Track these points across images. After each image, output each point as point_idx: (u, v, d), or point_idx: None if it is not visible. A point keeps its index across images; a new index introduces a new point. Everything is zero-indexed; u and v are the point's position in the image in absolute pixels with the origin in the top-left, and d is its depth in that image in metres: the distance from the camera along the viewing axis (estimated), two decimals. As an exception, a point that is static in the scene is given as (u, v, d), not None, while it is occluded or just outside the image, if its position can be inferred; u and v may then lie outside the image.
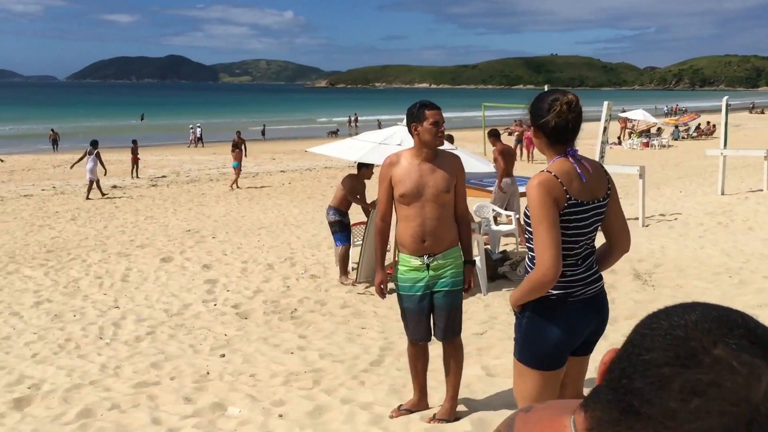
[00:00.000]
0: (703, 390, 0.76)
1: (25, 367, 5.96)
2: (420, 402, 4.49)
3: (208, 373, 5.57)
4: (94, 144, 19.68)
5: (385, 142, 7.84)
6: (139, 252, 10.99)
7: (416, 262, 4.17)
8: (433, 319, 4.31)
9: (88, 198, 18.35)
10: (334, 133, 45.27)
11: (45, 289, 8.88)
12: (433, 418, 4.28)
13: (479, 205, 10.21)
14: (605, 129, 11.83)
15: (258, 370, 5.60)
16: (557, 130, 2.84)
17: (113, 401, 5.03)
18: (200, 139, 39.79)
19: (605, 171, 3.03)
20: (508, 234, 9.76)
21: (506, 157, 10.53)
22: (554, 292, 2.86)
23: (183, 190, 20.36)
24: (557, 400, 1.04)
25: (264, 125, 50.14)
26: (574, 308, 2.89)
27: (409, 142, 7.85)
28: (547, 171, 2.83)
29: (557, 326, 2.87)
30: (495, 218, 10.25)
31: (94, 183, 18.81)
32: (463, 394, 4.55)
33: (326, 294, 8.12)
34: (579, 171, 2.84)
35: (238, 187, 20.36)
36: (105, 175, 20.32)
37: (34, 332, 7.04)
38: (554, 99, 2.86)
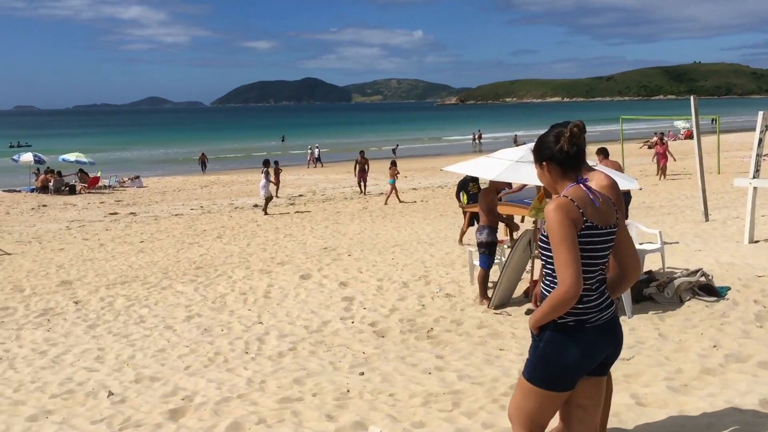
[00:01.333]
0: None
1: (179, 379, 6.31)
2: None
3: (348, 391, 5.66)
4: (266, 163, 21.03)
5: (522, 160, 7.69)
6: (280, 269, 11.40)
7: None
8: None
9: (265, 213, 19.59)
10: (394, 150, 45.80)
11: (195, 303, 9.39)
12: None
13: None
14: (761, 141, 11.05)
15: (397, 390, 5.61)
16: (570, 156, 3.01)
17: (260, 415, 5.21)
18: (318, 159, 41.06)
19: (612, 201, 3.14)
20: (653, 252, 9.28)
21: None
22: (571, 318, 2.96)
23: (319, 208, 20.99)
24: None
25: (397, 144, 50.91)
26: (591, 333, 2.98)
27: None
28: (564, 196, 2.96)
29: (575, 349, 2.96)
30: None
31: (267, 199, 20.09)
32: (612, 423, 4.34)
33: (462, 313, 8.05)
34: (592, 197, 2.98)
35: (400, 201, 21.08)
36: (277, 192, 21.55)
37: (186, 345, 7.45)
38: (559, 131, 3.03)
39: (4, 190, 29.64)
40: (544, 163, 3.09)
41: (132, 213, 21.29)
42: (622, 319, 7.27)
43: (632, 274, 3.20)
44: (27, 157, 32.18)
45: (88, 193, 28.37)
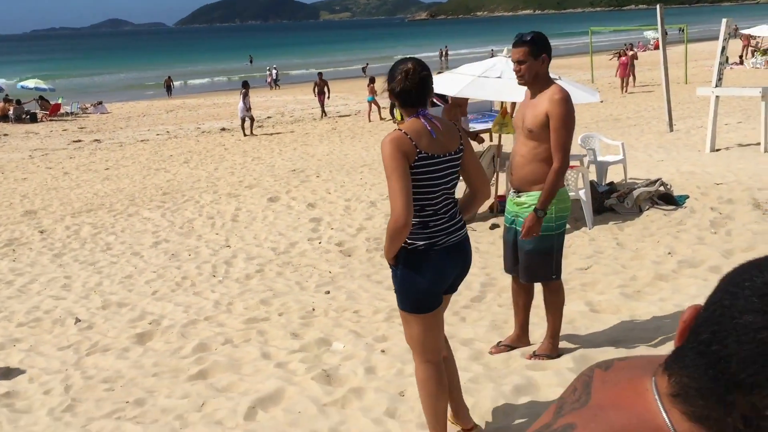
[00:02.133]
0: None
1: (146, 304, 6.36)
2: (520, 338, 4.47)
3: (313, 310, 5.76)
4: (245, 85, 20.78)
5: (485, 75, 7.63)
6: (248, 192, 11.36)
7: (510, 193, 4.24)
8: None
9: (251, 134, 19.54)
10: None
11: (162, 229, 9.37)
12: (534, 355, 4.26)
13: (585, 135, 9.83)
14: (723, 49, 11.05)
15: (361, 307, 5.72)
16: (403, 95, 3.14)
17: (226, 336, 5.30)
18: (276, 80, 40.28)
19: (457, 129, 3.28)
20: (615, 163, 9.38)
21: None
22: (420, 243, 3.13)
23: (287, 130, 20.77)
24: (638, 357, 0.97)
25: (366, 63, 50.05)
26: (440, 256, 3.15)
27: (510, 74, 7.62)
28: (399, 129, 3.13)
29: (427, 272, 3.13)
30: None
31: (246, 120, 19.87)
32: (565, 330, 4.48)
33: (428, 230, 8.14)
34: (429, 128, 3.12)
35: (381, 118, 20.99)
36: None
37: (153, 271, 7.47)
38: (402, 67, 3.15)
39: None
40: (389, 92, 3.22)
41: (96, 140, 20.91)
42: (583, 230, 7.43)
43: (481, 194, 3.39)
44: (-17, 85, 31.22)
45: (50, 120, 27.70)
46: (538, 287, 4.43)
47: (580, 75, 30.43)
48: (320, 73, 25.30)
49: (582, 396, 0.91)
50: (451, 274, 3.24)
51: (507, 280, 5.63)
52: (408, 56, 3.39)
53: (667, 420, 0.80)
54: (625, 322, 4.65)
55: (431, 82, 3.18)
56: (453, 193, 3.25)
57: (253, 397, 4.10)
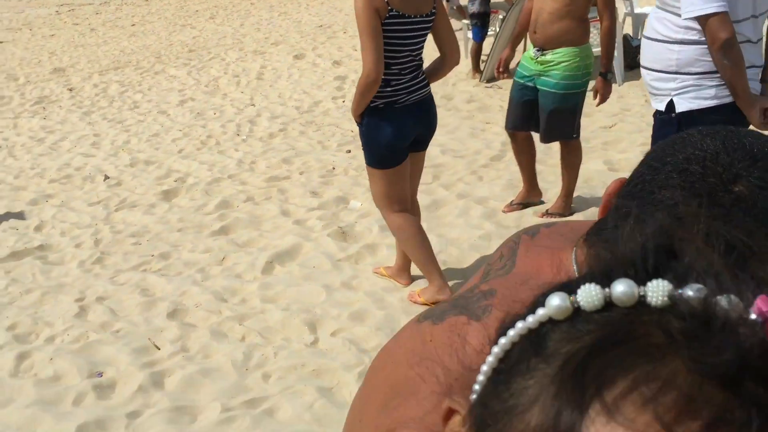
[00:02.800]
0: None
1: (172, 162, 6.48)
2: (530, 193, 4.50)
3: (333, 168, 5.81)
4: None
5: None
6: (273, 49, 11.18)
7: (531, 51, 4.10)
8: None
9: None
10: None
11: (188, 87, 9.36)
12: (546, 213, 4.30)
13: (622, -14, 9.32)
14: None
15: (381, 165, 5.76)
16: None
17: (248, 194, 5.42)
18: None
19: None
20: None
21: None
22: (381, 101, 3.22)
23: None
24: (563, 224, 0.98)
25: None
26: (400, 112, 3.26)
27: None
28: None
29: (387, 128, 3.26)
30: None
31: None
32: (580, 189, 4.49)
33: (453, 88, 8.00)
34: None
35: None
36: None
37: (179, 129, 7.55)
38: None
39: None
40: None
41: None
42: (614, 87, 7.21)
43: (451, 59, 3.43)
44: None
45: (76, -26, 27.13)
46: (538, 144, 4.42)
47: None
48: None
49: (507, 263, 0.93)
50: (413, 131, 3.35)
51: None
52: None
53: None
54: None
55: None
56: (419, 54, 3.30)
57: (271, 252, 4.24)
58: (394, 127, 3.26)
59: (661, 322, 0.32)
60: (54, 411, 2.89)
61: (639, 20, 8.84)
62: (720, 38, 2.52)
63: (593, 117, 6.34)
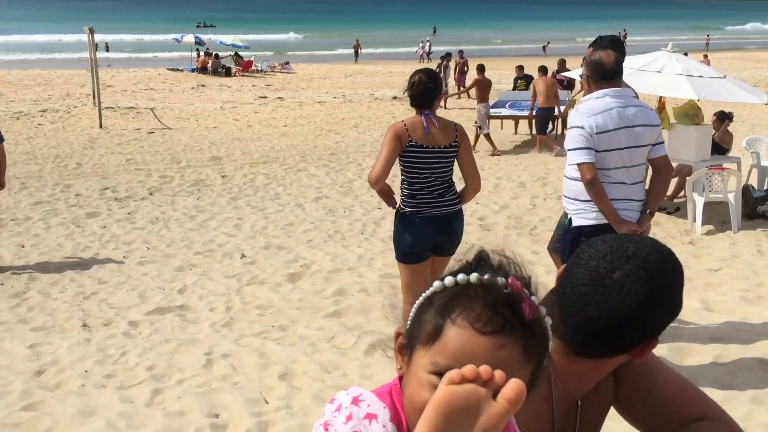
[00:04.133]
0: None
1: (301, 250, 7.20)
2: None
3: (444, 274, 6.30)
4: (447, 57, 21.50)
5: (644, 69, 7.69)
6: (407, 161, 12.03)
7: None
8: None
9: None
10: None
11: (325, 186, 10.28)
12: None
13: (751, 138, 9.51)
14: None
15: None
16: (411, 99, 4.09)
17: (363, 285, 5.99)
18: (429, 53, 39.76)
19: (455, 128, 4.12)
20: (780, 171, 9.02)
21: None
22: (408, 209, 4.11)
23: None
24: None
25: (548, 42, 49.13)
26: (422, 221, 4.06)
27: (670, 68, 7.63)
28: (402, 121, 4.09)
29: (408, 233, 4.08)
30: None
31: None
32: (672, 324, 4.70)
33: (570, 215, 8.37)
34: (425, 124, 4.01)
35: None
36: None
37: (311, 222, 8.34)
38: (414, 78, 4.08)
39: (168, 68, 32.02)
40: None
41: (279, 98, 22.54)
42: (728, 233, 7.36)
43: (470, 187, 4.19)
44: (189, 38, 34.27)
45: (242, 76, 30.06)
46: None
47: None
48: (461, 51, 24.69)
49: None
50: (433, 239, 4.06)
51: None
52: (421, 68, 4.36)
53: None
54: (733, 322, 4.78)
55: (434, 92, 4.07)
56: (447, 177, 4.10)
57: (375, 338, 4.74)
58: (415, 232, 4.05)
59: (474, 288, 0.85)
60: (176, 438, 3.44)
61: (765, 173, 8.97)
62: (585, 179, 3.72)
63: (702, 259, 6.53)
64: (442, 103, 19.58)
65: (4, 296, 6.02)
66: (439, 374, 0.84)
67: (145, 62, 35.92)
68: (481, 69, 14.25)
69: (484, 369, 0.77)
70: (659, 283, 1.23)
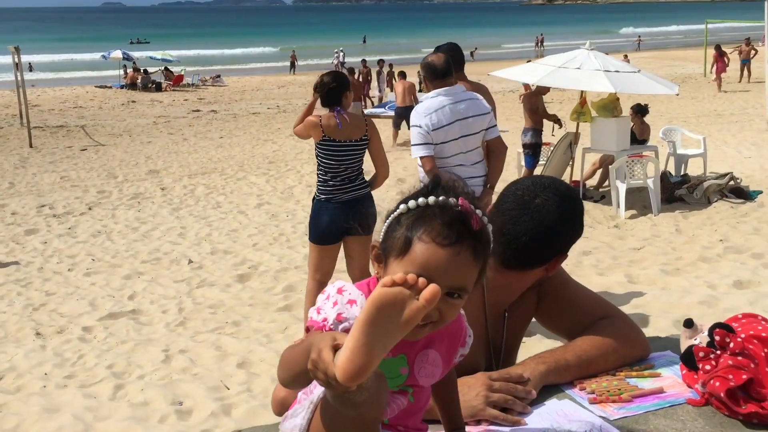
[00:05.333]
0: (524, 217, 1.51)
1: (247, 253, 7.37)
2: None
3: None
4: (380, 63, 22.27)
5: (565, 66, 8.17)
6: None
7: None
8: None
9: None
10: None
11: (266, 193, 10.45)
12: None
13: (667, 128, 10.15)
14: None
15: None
16: (321, 100, 4.61)
17: (311, 281, 6.21)
18: (343, 63, 40.10)
19: (366, 122, 4.67)
20: (695, 157, 9.66)
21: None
22: (323, 196, 4.61)
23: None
24: None
25: (475, 48, 50.30)
26: (334, 206, 4.56)
27: (589, 64, 8.11)
28: (319, 117, 4.57)
29: (325, 216, 4.58)
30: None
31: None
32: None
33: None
34: (338, 120, 4.50)
35: None
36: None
37: (255, 227, 8.51)
38: (320, 80, 4.61)
39: (96, 86, 31.46)
40: None
41: (213, 111, 22.50)
42: (649, 216, 7.88)
43: (380, 174, 4.74)
44: (116, 54, 33.73)
45: (173, 90, 29.79)
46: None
47: (695, 68, 29.72)
48: (363, 60, 24.48)
49: None
50: (346, 221, 4.50)
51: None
52: (328, 71, 4.94)
53: None
54: (654, 293, 5.22)
55: (339, 90, 4.55)
56: (357, 166, 4.60)
57: (327, 326, 4.97)
58: (329, 216, 4.53)
59: (432, 209, 1.12)
60: (144, 425, 3.61)
61: (681, 160, 9.59)
62: (425, 169, 4.27)
63: (626, 240, 7.00)
64: (370, 103, 20.34)
65: (-50, 313, 6.00)
66: None
67: (72, 81, 35.13)
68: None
69: (410, 276, 1.00)
70: (569, 206, 1.58)
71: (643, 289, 5.29)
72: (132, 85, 29.78)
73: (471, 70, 15.96)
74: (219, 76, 32.72)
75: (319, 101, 4.70)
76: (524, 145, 9.16)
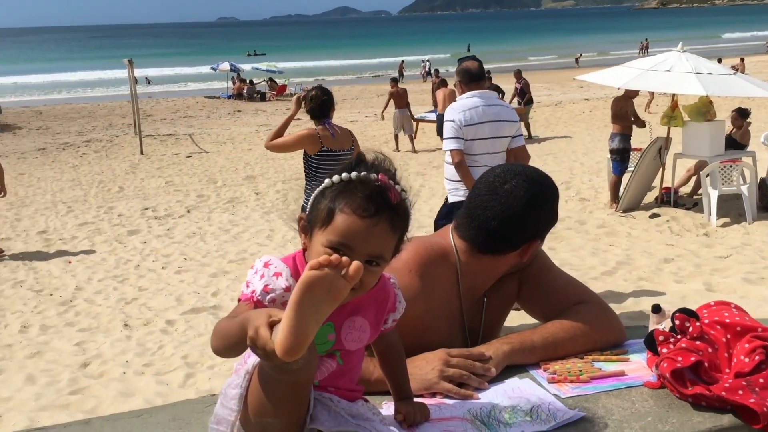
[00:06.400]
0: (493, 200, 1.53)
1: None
2: None
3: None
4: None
5: (653, 69, 7.93)
6: (434, 172, 12.38)
7: None
8: None
9: None
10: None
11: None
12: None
13: (768, 133, 9.63)
14: None
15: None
16: (310, 112, 4.98)
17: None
18: (429, 73, 39.52)
19: (351, 134, 5.11)
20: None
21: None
22: None
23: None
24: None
25: (580, 54, 49.23)
26: None
27: (680, 67, 7.85)
28: (315, 129, 4.95)
29: None
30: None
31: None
32: (675, 305, 4.92)
33: (589, 215, 8.60)
34: (331, 132, 4.90)
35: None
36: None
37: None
38: (310, 93, 5.01)
39: (206, 97, 33.00)
40: None
41: (312, 119, 23.14)
42: (742, 224, 7.52)
43: None
44: (224, 66, 35.23)
45: (277, 100, 30.81)
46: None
47: (814, 71, 27.92)
48: (436, 70, 24.66)
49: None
50: None
51: (643, 260, 6.11)
52: (315, 86, 5.27)
53: (450, 238, 1.63)
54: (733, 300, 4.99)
55: (329, 103, 4.95)
56: None
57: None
58: None
59: (354, 183, 1.20)
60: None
61: (783, 166, 9.07)
62: (454, 161, 4.60)
63: (714, 248, 6.71)
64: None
65: (53, 304, 6.51)
66: (332, 248, 1.19)
67: (184, 92, 37.01)
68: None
69: (334, 257, 1.09)
70: (538, 192, 1.61)
71: (719, 297, 5.06)
72: (238, 96, 31.04)
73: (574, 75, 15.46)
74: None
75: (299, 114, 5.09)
76: (611, 151, 8.91)
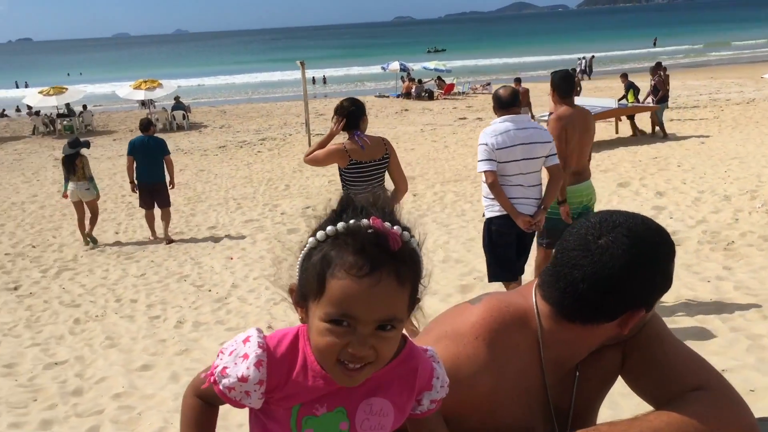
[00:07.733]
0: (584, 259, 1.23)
1: (477, 263, 7.29)
2: None
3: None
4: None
5: None
6: (600, 176, 11.66)
7: None
8: None
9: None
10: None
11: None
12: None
13: None
14: None
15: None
16: (346, 123, 4.92)
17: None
18: (585, 71, 36.46)
19: (384, 142, 5.05)
20: None
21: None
22: None
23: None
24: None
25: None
26: None
27: None
28: (342, 143, 4.90)
29: None
30: None
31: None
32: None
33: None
34: (360, 144, 4.85)
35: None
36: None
37: (493, 237, 8.40)
38: (339, 105, 5.01)
39: (376, 96, 33.68)
40: None
41: (479, 118, 22.79)
42: None
43: (399, 189, 5.01)
44: (394, 65, 35.75)
45: (444, 99, 30.78)
46: None
47: None
48: (573, 69, 21.64)
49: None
50: None
51: None
52: (347, 97, 5.18)
53: (533, 298, 1.32)
54: None
55: (358, 114, 4.91)
56: (381, 184, 4.89)
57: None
58: None
59: (343, 237, 0.97)
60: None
61: None
62: (487, 182, 4.89)
63: None
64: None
65: (209, 301, 6.79)
66: (332, 321, 0.97)
67: (358, 92, 38.06)
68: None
69: None
70: (641, 251, 1.26)
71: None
72: (407, 95, 31.38)
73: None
74: (489, 84, 33.11)
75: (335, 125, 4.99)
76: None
